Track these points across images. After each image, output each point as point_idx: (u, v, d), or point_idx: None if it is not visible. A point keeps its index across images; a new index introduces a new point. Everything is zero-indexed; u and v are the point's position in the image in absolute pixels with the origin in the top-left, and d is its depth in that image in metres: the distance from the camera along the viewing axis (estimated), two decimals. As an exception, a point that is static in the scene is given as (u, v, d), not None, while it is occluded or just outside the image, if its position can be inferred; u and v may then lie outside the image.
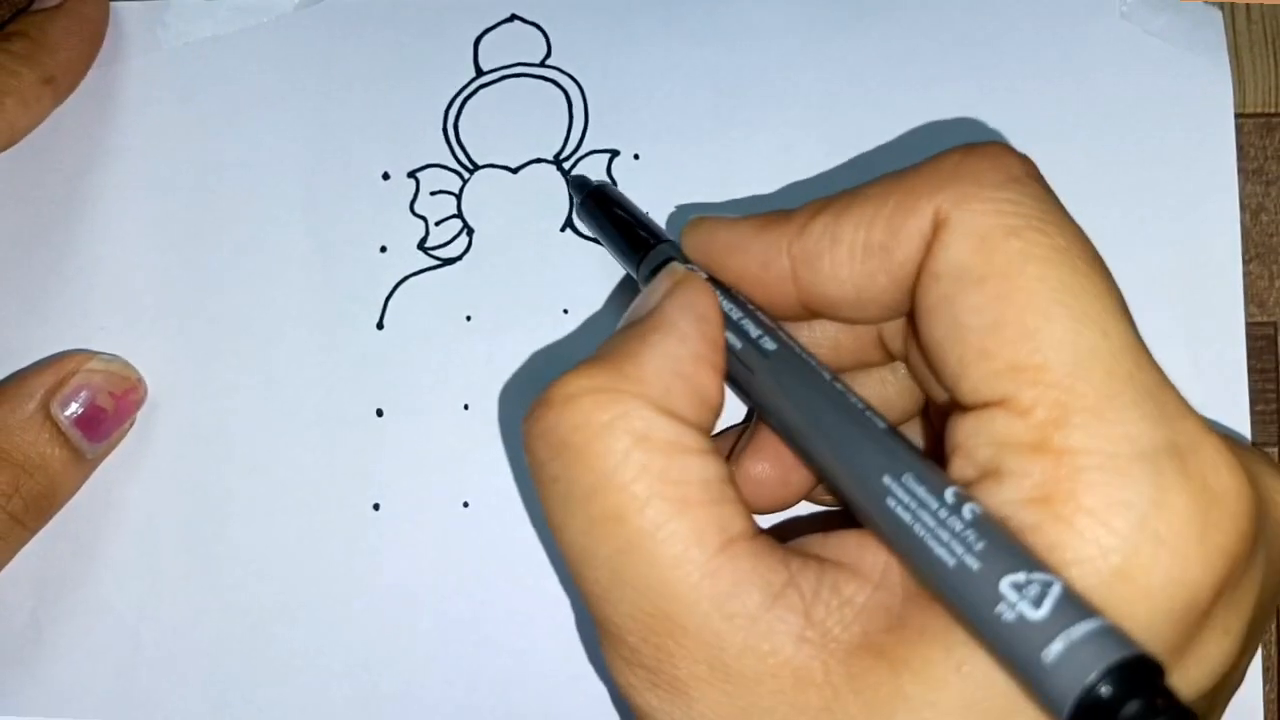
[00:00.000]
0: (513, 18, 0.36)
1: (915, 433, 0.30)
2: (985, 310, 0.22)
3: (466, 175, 0.36)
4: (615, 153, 0.36)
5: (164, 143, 0.36)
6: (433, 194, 0.36)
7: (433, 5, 0.36)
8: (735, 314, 0.26)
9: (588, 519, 0.23)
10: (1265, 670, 0.33)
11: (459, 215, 0.36)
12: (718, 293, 0.26)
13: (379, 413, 0.35)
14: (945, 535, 0.21)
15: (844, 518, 0.24)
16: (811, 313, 0.26)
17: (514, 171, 0.36)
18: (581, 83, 0.36)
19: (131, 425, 0.34)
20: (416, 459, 0.34)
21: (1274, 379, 0.35)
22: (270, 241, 0.35)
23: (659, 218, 0.35)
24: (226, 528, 0.34)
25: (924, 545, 0.21)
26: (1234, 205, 0.35)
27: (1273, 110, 0.36)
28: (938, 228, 0.23)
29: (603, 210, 0.33)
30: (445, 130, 0.36)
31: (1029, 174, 0.23)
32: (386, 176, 0.36)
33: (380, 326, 0.35)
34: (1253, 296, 0.35)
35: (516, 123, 0.36)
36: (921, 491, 0.22)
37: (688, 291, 0.25)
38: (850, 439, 0.23)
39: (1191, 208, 0.35)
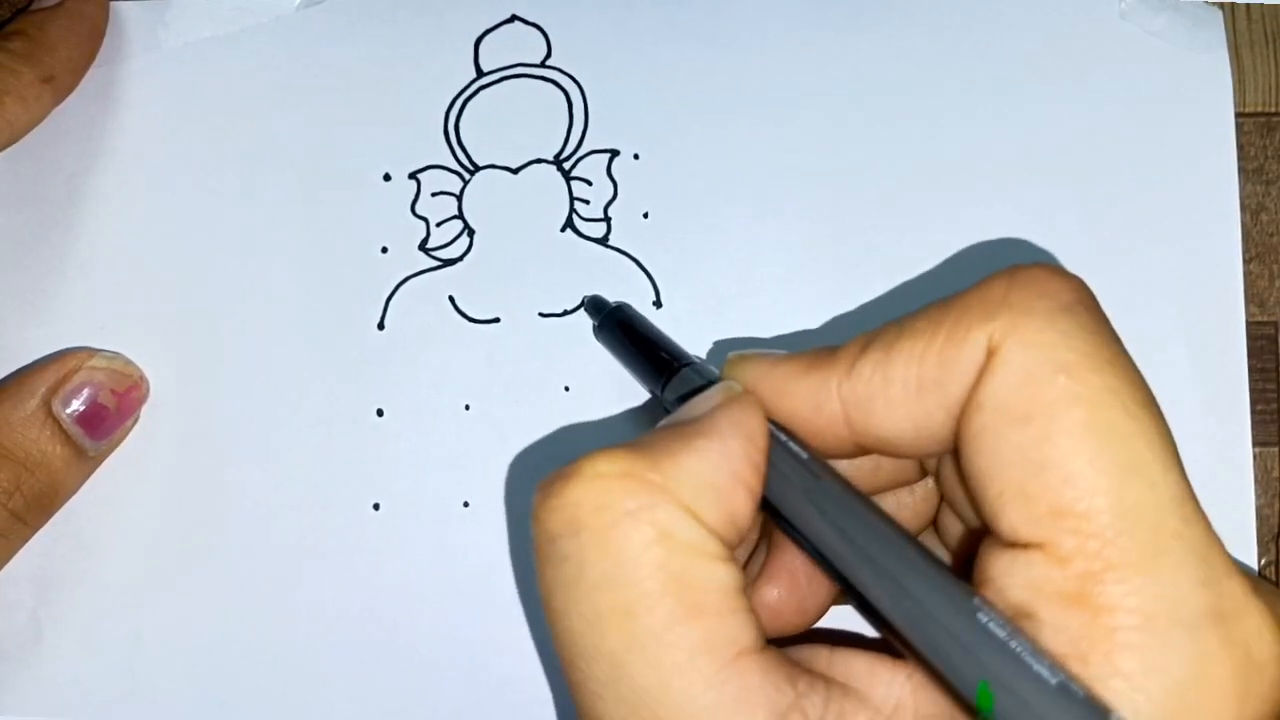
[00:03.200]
0: (513, 18, 0.36)
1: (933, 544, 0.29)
2: (1029, 449, 0.21)
3: (467, 176, 0.36)
4: (615, 153, 0.36)
5: (165, 143, 0.36)
6: (434, 195, 0.36)
7: (433, 6, 0.36)
8: (786, 444, 0.25)
9: (594, 608, 0.22)
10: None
11: (460, 216, 0.36)
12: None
13: (379, 413, 0.35)
14: (1044, 658, 0.20)
15: (851, 638, 0.24)
16: (864, 450, 0.25)
17: (514, 172, 0.36)
18: (582, 83, 0.36)
19: (135, 422, 0.35)
20: (417, 459, 0.34)
21: (1274, 379, 0.35)
22: (271, 242, 0.35)
23: (662, 217, 0.35)
24: (227, 527, 0.34)
25: (1023, 663, 0.20)
26: (1234, 205, 0.35)
27: (1273, 110, 0.36)
28: (989, 357, 0.22)
29: (624, 332, 0.33)
30: (446, 131, 0.36)
31: (1080, 301, 0.22)
32: (388, 177, 0.36)
33: (381, 327, 0.35)
34: (1253, 296, 0.35)
35: (517, 123, 0.36)
36: (1007, 623, 0.21)
37: (740, 409, 0.24)
38: (924, 571, 0.22)
39: (1192, 207, 0.35)
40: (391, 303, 0.35)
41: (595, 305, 0.34)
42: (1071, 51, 0.36)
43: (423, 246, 0.35)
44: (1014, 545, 0.21)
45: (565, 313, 0.35)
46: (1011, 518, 0.21)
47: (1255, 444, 0.34)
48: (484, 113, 0.36)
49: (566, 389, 0.35)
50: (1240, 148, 0.35)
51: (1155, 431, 0.21)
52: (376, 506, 0.34)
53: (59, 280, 0.35)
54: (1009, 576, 0.21)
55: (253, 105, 0.36)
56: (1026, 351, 0.21)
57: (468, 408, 0.35)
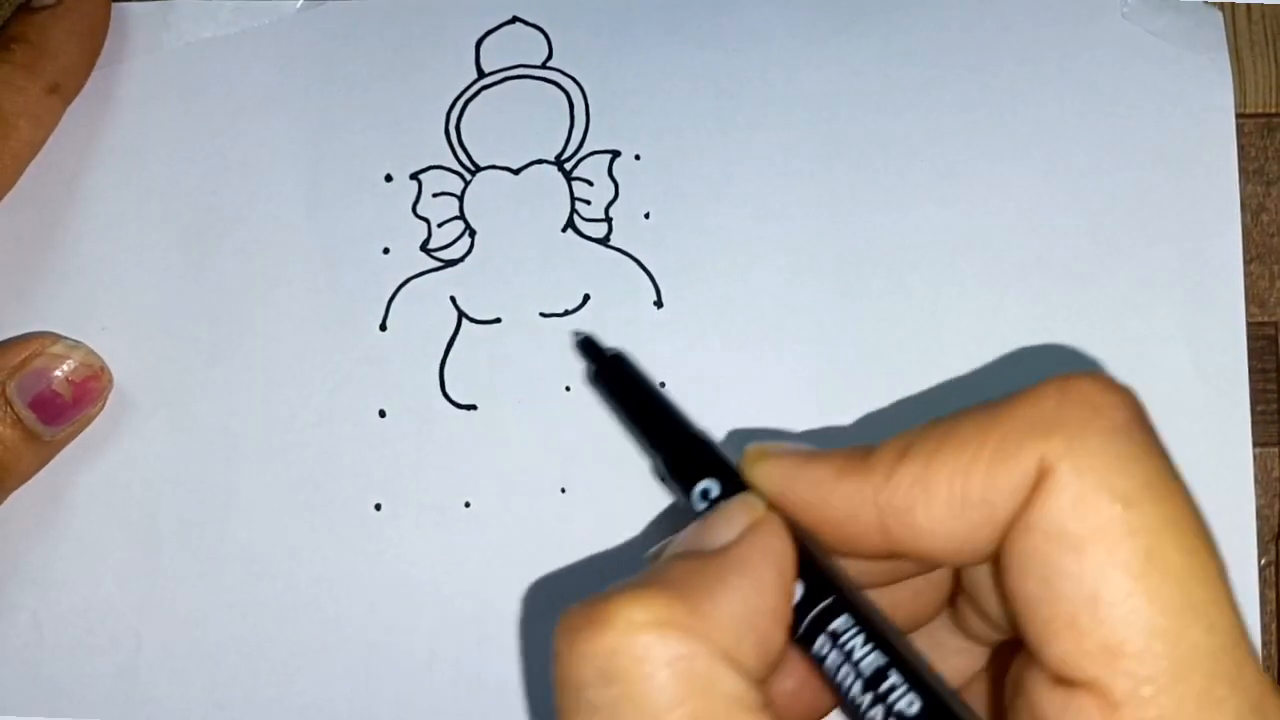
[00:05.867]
0: (514, 19, 0.36)
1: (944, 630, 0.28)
2: (1082, 580, 0.20)
3: (468, 177, 0.36)
4: (616, 153, 0.36)
5: (166, 143, 0.36)
6: (435, 196, 0.36)
7: (435, 7, 0.36)
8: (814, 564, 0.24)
9: None
10: (1265, 670, 0.33)
11: (461, 217, 0.36)
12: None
13: (381, 413, 0.35)
14: None
15: None
16: (896, 556, 0.24)
17: (516, 173, 0.36)
18: (583, 84, 0.36)
19: (100, 410, 0.34)
20: (418, 459, 0.34)
21: (1275, 379, 0.35)
22: (273, 242, 0.35)
23: (663, 217, 0.35)
24: (228, 527, 0.34)
25: None
26: (1235, 205, 0.35)
27: (1273, 110, 0.36)
28: (1041, 478, 0.21)
29: (622, 387, 0.31)
30: (447, 132, 0.36)
31: (1135, 420, 0.21)
32: (389, 178, 0.36)
33: (383, 328, 0.35)
34: (1253, 296, 0.35)
35: (518, 124, 0.36)
36: None
37: (770, 538, 0.23)
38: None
39: (1192, 208, 0.35)
40: (393, 303, 0.35)
41: (589, 347, 0.32)
42: (1073, 52, 0.36)
43: (424, 247, 0.35)
44: (1061, 681, 0.20)
45: (566, 313, 0.35)
46: (1060, 649, 0.20)
47: (1255, 444, 0.34)
48: (485, 113, 0.36)
49: (568, 389, 0.35)
50: (1241, 148, 0.35)
51: (1214, 568, 0.20)
52: (378, 507, 0.34)
53: (59, 280, 0.35)
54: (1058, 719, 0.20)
55: (254, 106, 0.36)
56: (1083, 476, 0.20)
57: (469, 408, 0.35)
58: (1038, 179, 0.35)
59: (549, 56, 0.36)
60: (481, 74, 0.36)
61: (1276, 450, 0.35)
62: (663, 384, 0.34)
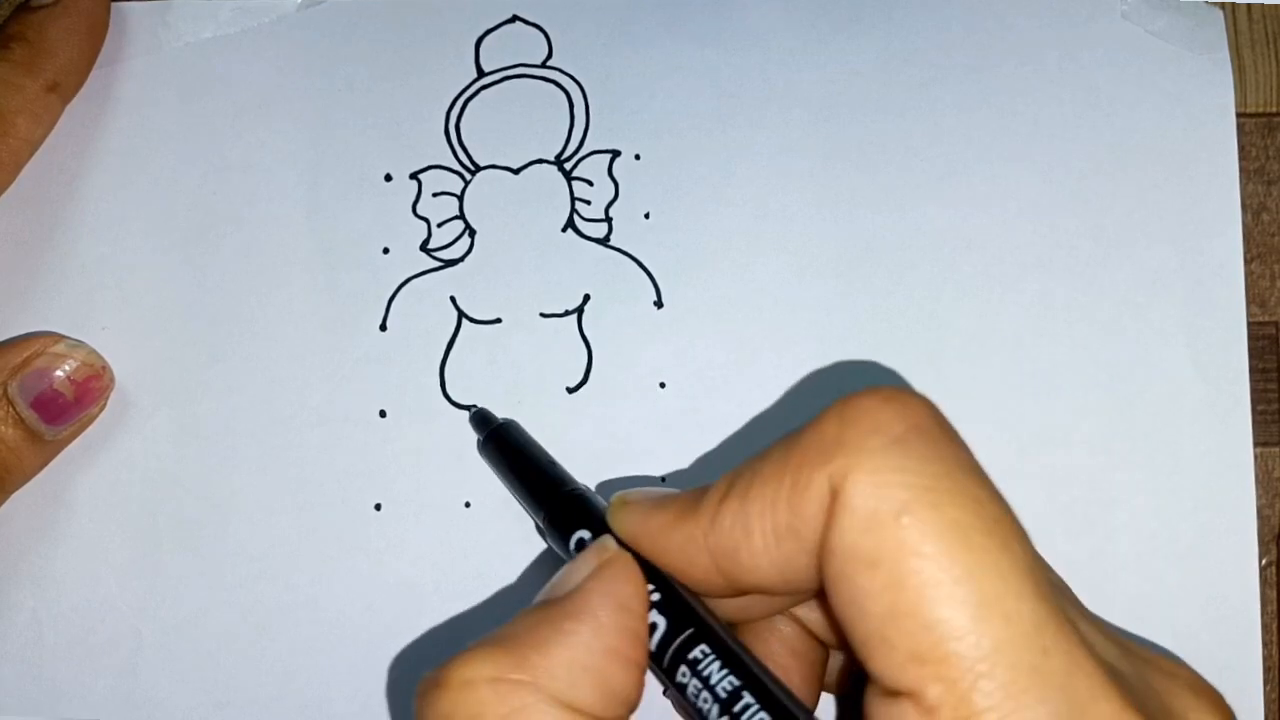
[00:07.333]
0: (514, 19, 0.36)
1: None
2: (881, 596, 0.20)
3: (468, 176, 0.36)
4: (616, 153, 0.36)
5: (166, 143, 0.36)
6: (435, 195, 0.36)
7: (434, 6, 0.36)
8: (675, 597, 0.25)
9: None
10: (1266, 670, 0.33)
11: (461, 216, 0.36)
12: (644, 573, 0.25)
13: (381, 413, 0.35)
14: None
15: None
16: (745, 593, 0.24)
17: (516, 172, 0.36)
18: (583, 83, 0.36)
19: (102, 410, 0.35)
20: (418, 459, 0.34)
21: (1275, 379, 0.35)
22: (272, 242, 0.35)
23: (663, 217, 0.35)
24: (228, 527, 0.34)
25: None
26: (1235, 205, 0.35)
27: (1274, 110, 0.36)
28: (833, 500, 0.21)
29: (505, 453, 0.33)
30: (447, 131, 0.36)
31: (915, 428, 0.22)
32: (389, 178, 0.36)
33: (383, 328, 0.35)
34: (1254, 296, 0.35)
35: (518, 124, 0.36)
36: None
37: (613, 577, 0.24)
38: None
39: (1193, 207, 0.35)
40: (393, 303, 0.35)
41: (480, 419, 0.34)
42: (1073, 52, 0.36)
43: (424, 247, 0.35)
44: (888, 692, 0.21)
45: (566, 313, 0.35)
46: (879, 664, 0.21)
47: (1256, 444, 0.34)
48: (485, 113, 0.36)
49: (568, 389, 0.35)
50: (1241, 148, 0.35)
51: (1008, 559, 0.20)
52: (378, 507, 0.34)
53: (59, 280, 0.35)
54: None
55: (254, 106, 0.36)
56: (865, 494, 0.21)
57: (469, 408, 0.35)
58: (1038, 179, 0.35)
59: (549, 56, 0.36)
60: (481, 73, 0.36)
61: (1278, 450, 0.35)
62: (662, 384, 0.34)
